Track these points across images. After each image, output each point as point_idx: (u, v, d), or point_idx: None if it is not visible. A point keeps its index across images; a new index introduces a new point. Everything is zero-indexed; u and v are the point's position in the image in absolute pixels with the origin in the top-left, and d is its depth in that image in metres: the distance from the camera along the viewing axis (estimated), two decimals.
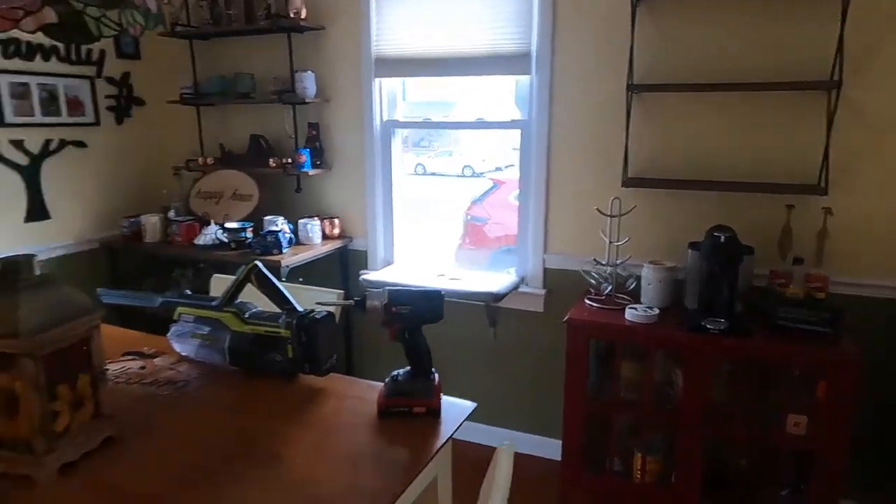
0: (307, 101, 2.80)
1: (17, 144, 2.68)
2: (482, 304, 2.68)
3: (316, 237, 2.85)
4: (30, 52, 2.69)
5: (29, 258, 1.02)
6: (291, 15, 2.72)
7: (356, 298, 1.22)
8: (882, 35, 2.02)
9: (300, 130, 2.97)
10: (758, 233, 2.23)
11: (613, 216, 2.33)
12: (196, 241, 2.78)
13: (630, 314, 2.16)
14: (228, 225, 2.75)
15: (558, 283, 2.64)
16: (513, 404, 2.81)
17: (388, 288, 1.20)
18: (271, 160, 2.91)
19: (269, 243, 2.62)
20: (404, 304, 1.18)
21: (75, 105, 2.91)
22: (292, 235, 2.76)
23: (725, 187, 2.21)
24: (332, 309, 1.37)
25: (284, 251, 2.66)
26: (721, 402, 2.13)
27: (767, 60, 2.15)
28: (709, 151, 2.30)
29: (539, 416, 2.77)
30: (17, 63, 2.65)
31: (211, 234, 2.76)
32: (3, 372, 0.97)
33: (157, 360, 1.50)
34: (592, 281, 2.39)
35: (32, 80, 2.71)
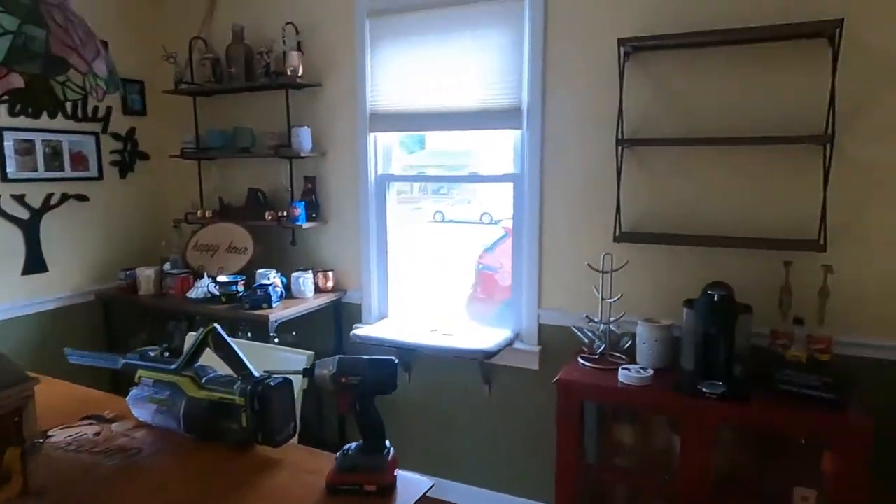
0: (302, 155, 2.82)
1: (19, 199, 2.73)
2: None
3: (308, 291, 2.82)
4: (36, 110, 2.78)
5: None
6: (289, 72, 2.77)
7: (305, 367, 1.17)
8: (875, 87, 1.97)
9: (297, 184, 2.99)
10: (756, 290, 2.14)
11: (605, 272, 2.26)
12: (189, 295, 2.77)
13: (623, 375, 2.06)
14: (220, 279, 2.74)
15: (553, 340, 2.55)
16: (506, 465, 2.69)
17: (337, 356, 1.14)
18: (267, 213, 2.92)
19: (259, 297, 2.60)
20: (355, 373, 1.12)
21: (79, 160, 2.97)
22: (283, 290, 2.73)
23: (720, 243, 2.13)
24: (291, 374, 1.32)
25: (274, 305, 2.64)
26: (723, 471, 2.00)
27: (760, 112, 2.11)
28: (703, 206, 2.24)
29: (533, 479, 2.63)
30: (22, 121, 2.73)
31: (203, 287, 2.75)
32: None
33: (114, 426, 1.45)
34: (585, 339, 2.30)
35: (38, 137, 2.79)
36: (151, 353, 1.52)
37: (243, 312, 2.58)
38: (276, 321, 2.56)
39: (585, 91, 2.37)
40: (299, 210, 2.84)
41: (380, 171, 2.90)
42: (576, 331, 2.32)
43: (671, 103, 2.24)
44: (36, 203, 2.80)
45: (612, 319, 2.26)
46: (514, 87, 2.50)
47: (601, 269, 2.26)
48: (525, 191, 2.55)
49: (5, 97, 1.26)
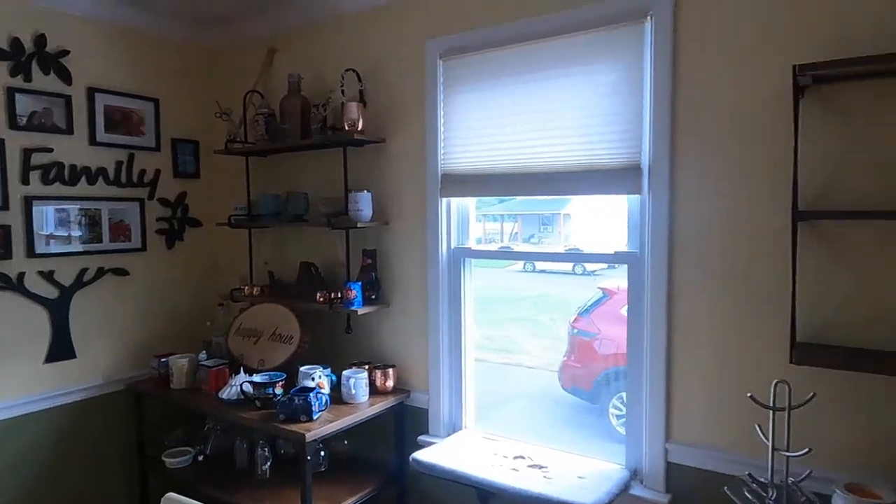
0: (360, 225, 2.31)
1: (47, 276, 2.41)
2: None
3: (361, 395, 2.25)
4: (73, 177, 2.47)
5: None
6: (347, 127, 2.30)
7: None
8: None
9: (355, 258, 2.47)
10: None
11: (778, 409, 1.50)
12: (221, 395, 2.29)
13: None
14: (255, 378, 2.24)
15: (691, 487, 1.80)
16: None
17: None
18: (318, 294, 2.41)
19: (297, 407, 2.05)
20: None
21: (120, 230, 2.64)
22: (327, 396, 2.17)
23: None
24: None
25: (316, 417, 2.08)
26: None
27: None
28: None
29: None
30: (58, 188, 2.43)
31: (236, 386, 2.26)
32: None
33: None
34: None
35: (73, 207, 2.48)
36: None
37: (276, 426, 2.05)
38: (315, 439, 2.00)
39: (735, 142, 1.69)
40: (355, 292, 2.31)
41: (454, 244, 2.32)
42: (732, 496, 1.55)
43: (876, 158, 1.50)
44: (67, 280, 2.46)
45: (791, 481, 1.49)
46: (631, 138, 1.85)
47: (771, 404, 1.51)
48: (646, 278, 1.86)
49: None
